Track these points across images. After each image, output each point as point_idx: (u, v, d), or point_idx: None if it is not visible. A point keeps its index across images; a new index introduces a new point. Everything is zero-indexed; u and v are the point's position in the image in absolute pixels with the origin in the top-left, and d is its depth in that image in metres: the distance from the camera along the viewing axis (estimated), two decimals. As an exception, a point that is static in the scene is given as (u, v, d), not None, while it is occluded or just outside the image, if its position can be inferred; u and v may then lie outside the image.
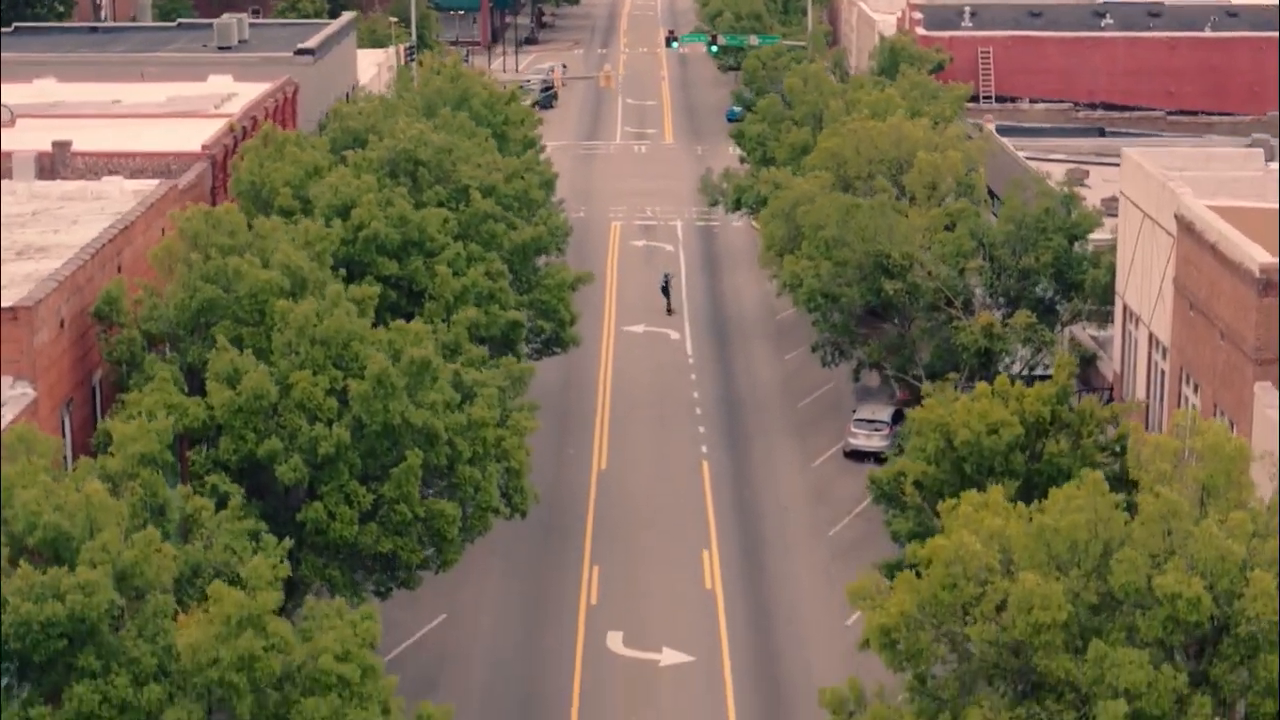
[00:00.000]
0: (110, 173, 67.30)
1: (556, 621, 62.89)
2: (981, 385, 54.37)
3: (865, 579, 43.12)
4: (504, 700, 57.82)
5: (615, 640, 61.47)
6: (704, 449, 78.48)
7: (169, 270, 55.28)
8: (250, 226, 56.27)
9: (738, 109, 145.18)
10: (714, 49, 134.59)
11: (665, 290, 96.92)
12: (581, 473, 75.87)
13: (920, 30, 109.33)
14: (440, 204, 67.62)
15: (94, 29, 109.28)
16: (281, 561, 41.60)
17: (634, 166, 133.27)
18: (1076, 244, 69.24)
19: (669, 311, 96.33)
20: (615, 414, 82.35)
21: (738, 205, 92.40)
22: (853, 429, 77.53)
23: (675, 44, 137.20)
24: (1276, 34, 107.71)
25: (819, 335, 75.13)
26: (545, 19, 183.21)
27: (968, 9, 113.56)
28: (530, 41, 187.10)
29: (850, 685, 42.30)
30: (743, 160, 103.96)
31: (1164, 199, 59.94)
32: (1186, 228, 57.21)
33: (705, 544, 69.40)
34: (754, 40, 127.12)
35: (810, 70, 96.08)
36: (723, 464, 77.07)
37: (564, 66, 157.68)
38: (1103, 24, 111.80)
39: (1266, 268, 50.96)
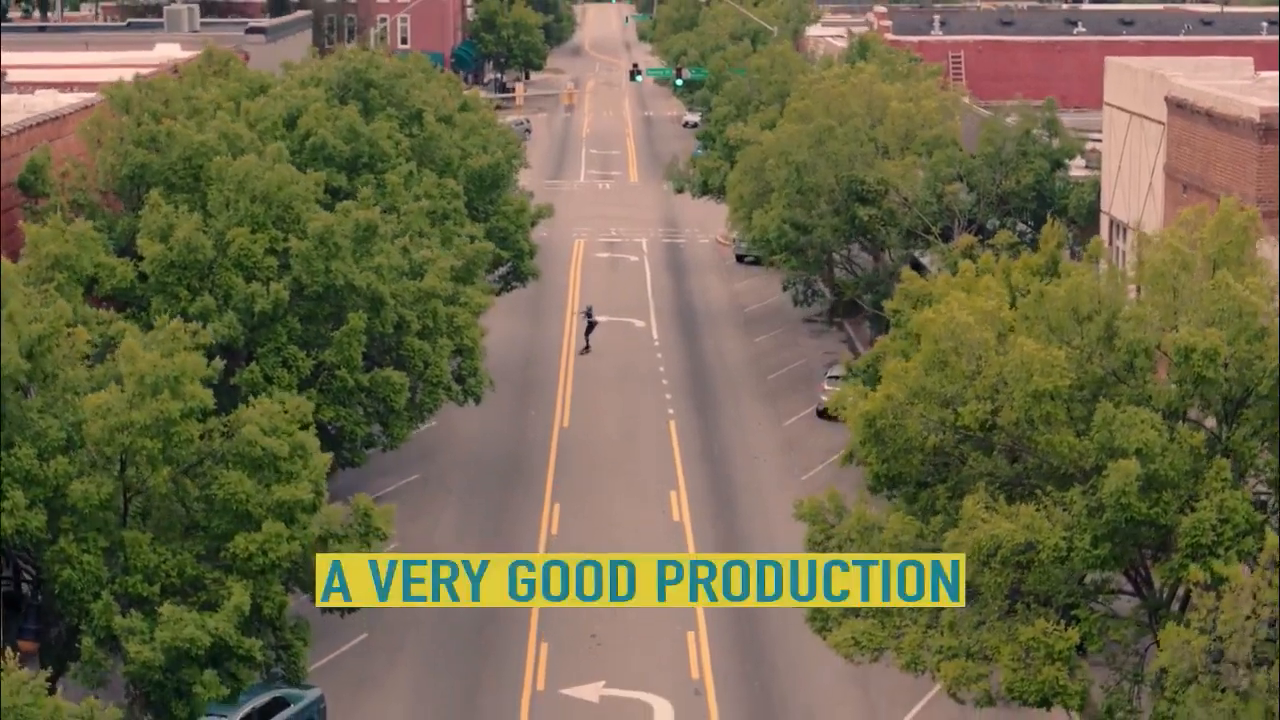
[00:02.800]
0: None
1: (512, 548, 58.94)
2: (964, 264, 51.08)
3: (816, 497, 39.60)
4: (457, 615, 53.83)
5: (578, 561, 57.49)
6: (670, 411, 74.90)
7: (98, 143, 51.98)
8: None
9: (702, 152, 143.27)
10: (679, 83, 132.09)
11: (588, 328, 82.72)
12: (543, 430, 72.14)
13: (889, 36, 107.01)
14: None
15: (42, 29, 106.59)
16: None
17: (599, 198, 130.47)
18: (1059, 171, 66.22)
19: (585, 349, 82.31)
20: (578, 384, 78.75)
21: (705, 188, 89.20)
22: (825, 386, 73.99)
23: (638, 77, 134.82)
24: (1252, 39, 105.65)
25: (789, 274, 71.65)
26: (508, 84, 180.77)
27: (937, 18, 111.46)
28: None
29: (829, 496, 38.68)
30: (706, 147, 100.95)
31: (1153, 88, 57.21)
32: (1178, 105, 54.42)
33: (672, 485, 65.69)
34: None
35: (777, 51, 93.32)
36: (690, 422, 73.51)
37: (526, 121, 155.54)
38: (1074, 31, 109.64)
39: (1267, 112, 48.13)
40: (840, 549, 36.82)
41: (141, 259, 47.40)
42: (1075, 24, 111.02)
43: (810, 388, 76.52)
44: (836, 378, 73.82)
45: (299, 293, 47.49)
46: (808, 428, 72.68)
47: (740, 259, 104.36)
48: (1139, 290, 38.18)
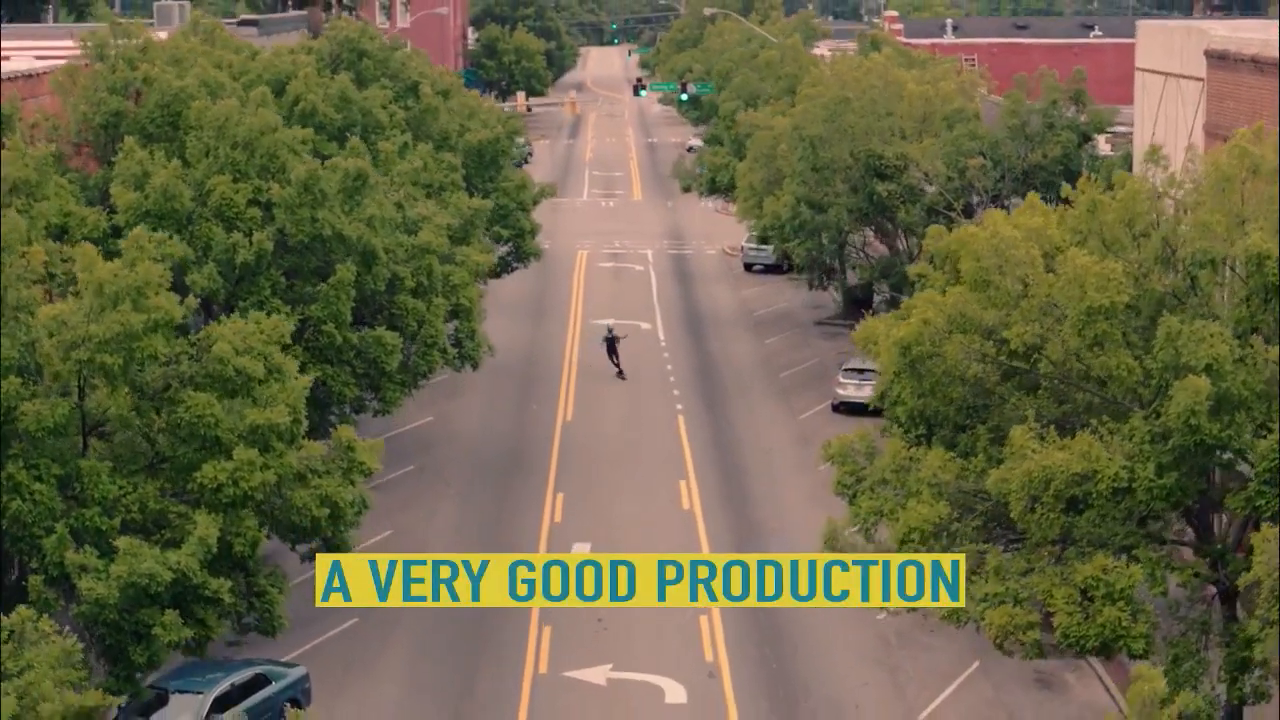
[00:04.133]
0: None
1: (513, 538, 55.50)
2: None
3: (846, 436, 36.24)
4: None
5: (582, 549, 54.10)
6: (679, 407, 71.51)
7: (71, 92, 48.77)
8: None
9: (702, 145, 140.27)
10: (684, 97, 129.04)
11: (611, 348, 73.24)
12: (545, 424, 68.70)
13: (900, 39, 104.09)
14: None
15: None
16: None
17: (602, 215, 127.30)
18: (1086, 146, 62.96)
19: (619, 375, 73.10)
20: (581, 382, 75.30)
21: (713, 186, 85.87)
22: (841, 379, 70.67)
23: (642, 92, 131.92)
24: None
25: (804, 257, 68.25)
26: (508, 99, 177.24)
27: (949, 22, 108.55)
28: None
29: (859, 436, 35.29)
30: (710, 142, 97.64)
31: (1190, 44, 54.08)
32: (1219, 58, 51.29)
33: (681, 475, 62.25)
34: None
35: (788, 44, 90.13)
36: (699, 417, 70.14)
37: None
38: (1091, 34, 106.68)
39: (1318, 46, 44.96)
40: (872, 491, 33.40)
41: (115, 210, 44.15)
42: (1092, 28, 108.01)
43: (825, 384, 73.12)
44: (854, 370, 70.74)
45: (283, 244, 44.18)
46: (824, 421, 69.26)
47: (749, 268, 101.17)
48: (1185, 212, 34.89)
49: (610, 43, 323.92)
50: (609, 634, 47.42)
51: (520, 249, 65.23)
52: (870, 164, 61.76)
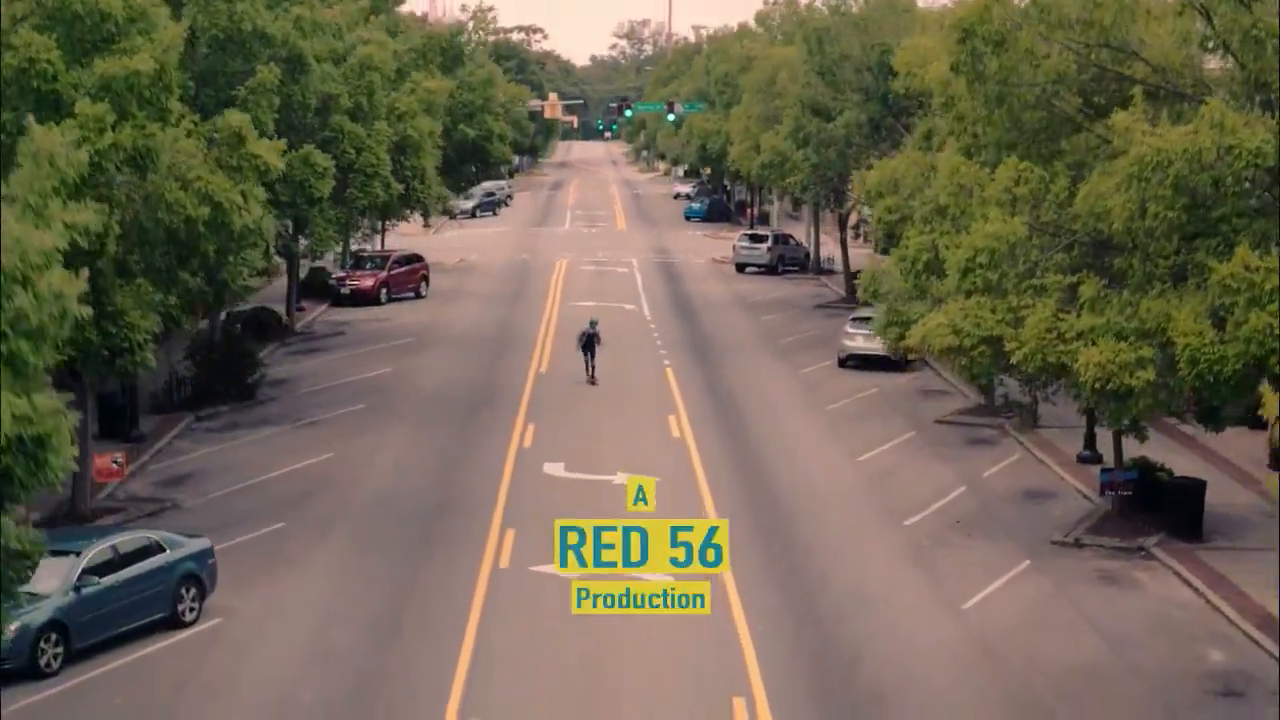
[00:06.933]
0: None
1: (474, 459, 47.65)
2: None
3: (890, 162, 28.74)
4: (402, 504, 42.56)
5: (555, 468, 46.27)
6: (666, 362, 63.69)
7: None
8: None
9: (696, 206, 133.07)
10: (671, 117, 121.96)
11: (589, 345, 58.82)
12: (517, 373, 60.85)
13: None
14: None
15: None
16: None
17: (585, 237, 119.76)
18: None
19: (591, 380, 58.35)
20: (558, 343, 67.42)
21: (703, 154, 78.34)
22: (849, 329, 63.09)
23: (629, 112, 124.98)
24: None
25: (808, 174, 60.56)
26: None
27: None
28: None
29: (906, 164, 27.57)
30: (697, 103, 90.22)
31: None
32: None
33: (671, 410, 54.41)
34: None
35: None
36: (689, 368, 62.36)
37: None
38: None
39: None
40: (926, 222, 25.63)
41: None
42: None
43: (829, 348, 65.39)
44: (863, 319, 63.14)
45: (193, 40, 36.52)
46: (829, 374, 61.65)
47: (741, 269, 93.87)
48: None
49: (596, 130, 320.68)
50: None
51: (486, 156, 57.40)
52: (884, 62, 54.15)
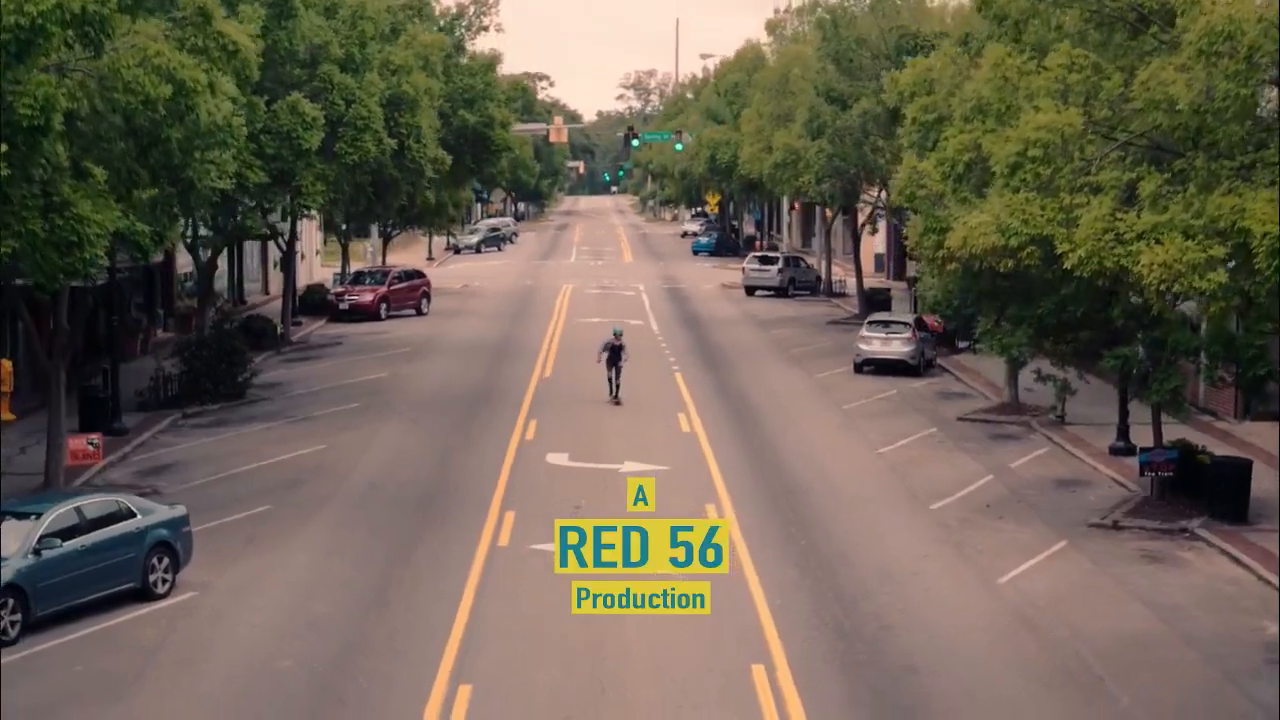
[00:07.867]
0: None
1: (475, 452, 45.15)
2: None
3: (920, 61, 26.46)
4: (395, 488, 40.05)
5: (559, 458, 43.80)
6: (675, 368, 61.20)
7: None
8: None
9: (704, 240, 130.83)
10: (679, 146, 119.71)
11: (614, 358, 52.85)
12: (520, 379, 58.39)
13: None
14: None
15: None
16: None
17: (591, 270, 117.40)
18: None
19: (615, 399, 52.44)
20: (562, 352, 65.03)
21: (712, 164, 76.06)
22: (865, 333, 60.68)
23: (635, 142, 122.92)
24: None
25: (822, 166, 58.13)
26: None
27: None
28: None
29: (942, 63, 25.18)
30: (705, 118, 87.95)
31: None
32: None
33: (680, 408, 51.94)
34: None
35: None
36: (699, 373, 59.90)
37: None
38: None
39: None
40: (966, 120, 23.22)
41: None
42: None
43: (844, 355, 62.96)
44: (880, 322, 60.96)
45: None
46: (844, 378, 59.17)
47: (750, 291, 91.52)
48: None
49: (603, 182, 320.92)
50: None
51: (487, 142, 55.08)
52: (903, 45, 51.91)
